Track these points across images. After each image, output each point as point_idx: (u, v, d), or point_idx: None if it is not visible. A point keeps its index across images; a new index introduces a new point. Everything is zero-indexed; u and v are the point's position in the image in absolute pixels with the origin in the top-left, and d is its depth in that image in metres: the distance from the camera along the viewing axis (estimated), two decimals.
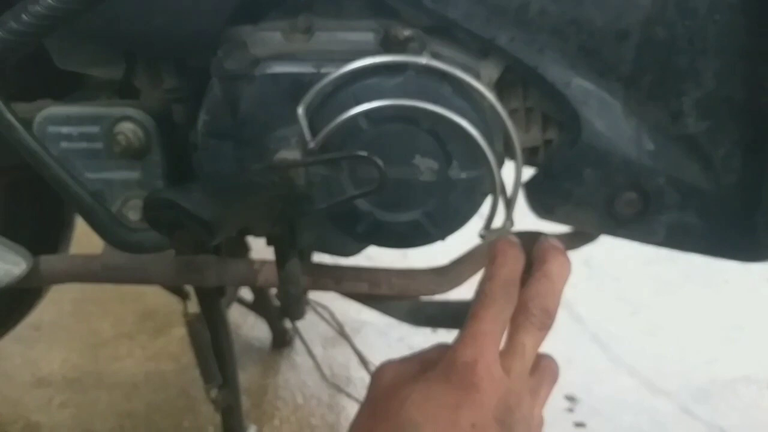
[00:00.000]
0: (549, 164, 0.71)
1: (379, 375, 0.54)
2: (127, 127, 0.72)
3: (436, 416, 0.46)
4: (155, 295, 1.68)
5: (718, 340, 1.57)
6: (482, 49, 0.70)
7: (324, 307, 1.60)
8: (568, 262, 0.58)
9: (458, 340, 0.53)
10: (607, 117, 0.67)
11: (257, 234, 0.87)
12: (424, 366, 0.53)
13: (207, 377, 1.05)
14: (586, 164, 0.68)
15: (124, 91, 0.79)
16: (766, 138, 0.67)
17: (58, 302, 1.69)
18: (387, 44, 0.66)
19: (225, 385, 1.07)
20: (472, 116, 0.65)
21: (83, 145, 0.74)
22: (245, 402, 1.34)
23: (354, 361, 1.50)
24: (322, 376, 1.46)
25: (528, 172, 0.73)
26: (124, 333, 1.63)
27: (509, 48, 0.66)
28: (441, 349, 0.55)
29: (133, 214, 0.75)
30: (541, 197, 0.71)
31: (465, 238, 0.75)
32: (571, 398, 1.39)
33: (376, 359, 1.51)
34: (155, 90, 0.76)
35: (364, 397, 0.53)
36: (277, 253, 0.73)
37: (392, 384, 0.51)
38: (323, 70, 0.65)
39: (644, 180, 0.69)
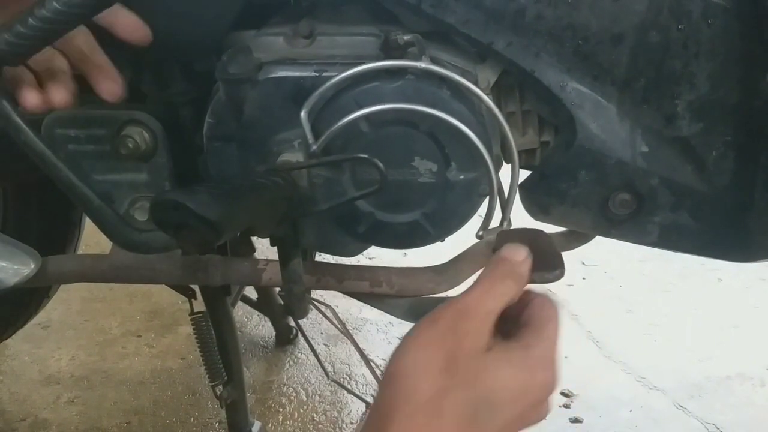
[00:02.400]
0: (545, 166, 0.73)
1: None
2: (133, 130, 0.73)
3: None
4: (162, 294, 1.70)
5: (713, 338, 1.58)
6: (480, 53, 0.71)
7: (326, 306, 1.61)
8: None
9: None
10: (601, 120, 0.69)
11: (261, 234, 0.88)
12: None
13: (213, 374, 1.06)
14: (581, 166, 0.70)
15: (131, 95, 0.80)
16: (758, 140, 0.68)
17: (66, 301, 1.71)
18: (387, 49, 0.67)
19: (230, 382, 1.08)
20: (470, 119, 0.66)
21: (91, 147, 0.75)
22: (250, 398, 1.35)
23: (355, 358, 1.51)
24: (325, 372, 1.47)
25: (524, 174, 0.74)
26: (132, 331, 1.65)
27: (506, 52, 0.68)
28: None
29: (140, 214, 0.77)
30: (536, 198, 0.73)
31: (463, 238, 0.77)
32: (567, 395, 1.40)
33: (377, 356, 1.53)
34: (161, 93, 0.77)
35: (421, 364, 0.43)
36: (281, 252, 0.74)
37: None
38: (325, 75, 0.66)
39: (638, 181, 0.70)
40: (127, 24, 0.62)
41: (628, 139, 0.69)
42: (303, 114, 0.65)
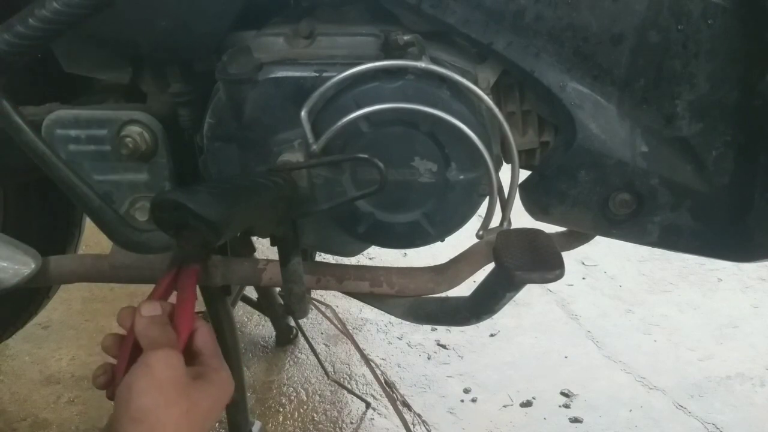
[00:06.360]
0: (545, 166, 0.73)
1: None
2: (134, 130, 0.74)
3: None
4: None
5: (713, 338, 1.58)
6: (480, 53, 0.71)
7: (327, 306, 1.61)
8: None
9: None
10: (601, 120, 0.69)
11: (261, 234, 0.88)
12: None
13: None
14: (580, 166, 0.70)
15: (131, 95, 0.80)
16: (758, 140, 0.68)
17: (67, 301, 1.71)
18: (387, 49, 0.67)
19: None
20: (470, 119, 0.66)
21: (91, 147, 0.75)
22: (250, 398, 1.35)
23: (355, 358, 1.51)
24: (325, 372, 1.47)
25: (524, 174, 0.74)
26: None
27: (506, 52, 0.68)
28: None
29: (141, 214, 0.77)
30: (536, 198, 0.73)
31: (463, 238, 0.77)
32: (567, 395, 1.40)
33: (377, 356, 1.53)
34: (161, 94, 0.77)
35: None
36: (281, 252, 0.74)
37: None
38: (325, 75, 0.67)
39: (638, 181, 0.70)
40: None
41: (628, 139, 0.69)
42: (303, 114, 0.65)
